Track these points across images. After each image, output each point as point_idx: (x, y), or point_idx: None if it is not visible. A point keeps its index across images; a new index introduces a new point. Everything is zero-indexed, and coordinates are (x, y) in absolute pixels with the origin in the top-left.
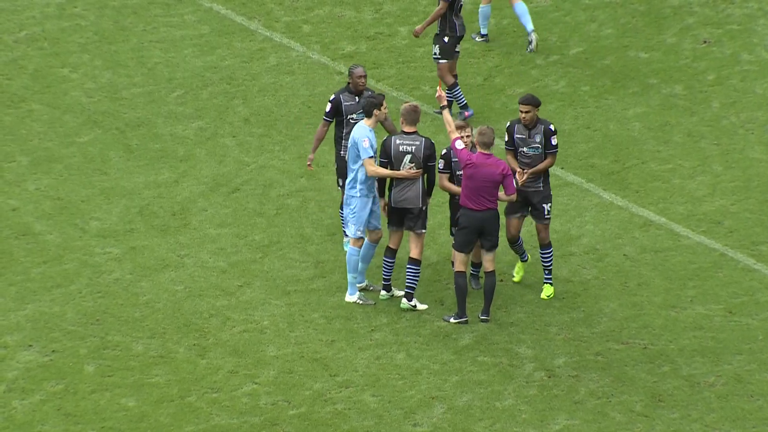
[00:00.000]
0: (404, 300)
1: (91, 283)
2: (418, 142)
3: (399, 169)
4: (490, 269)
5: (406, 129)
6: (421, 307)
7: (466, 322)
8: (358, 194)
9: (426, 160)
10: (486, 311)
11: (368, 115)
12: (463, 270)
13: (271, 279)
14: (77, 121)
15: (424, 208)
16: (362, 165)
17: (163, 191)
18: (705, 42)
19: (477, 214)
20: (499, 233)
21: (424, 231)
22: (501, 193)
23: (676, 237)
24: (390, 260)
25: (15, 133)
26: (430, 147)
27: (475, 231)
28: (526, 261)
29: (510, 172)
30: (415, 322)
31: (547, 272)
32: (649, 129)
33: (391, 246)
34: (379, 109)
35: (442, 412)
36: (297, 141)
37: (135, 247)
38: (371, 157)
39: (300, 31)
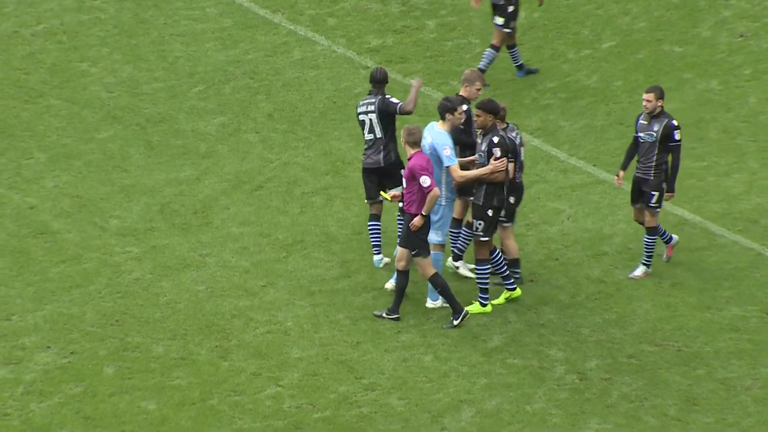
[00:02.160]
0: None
1: (110, 283)
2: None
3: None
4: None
5: None
6: (464, 271)
7: (398, 319)
8: (444, 201)
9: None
10: (393, 307)
11: (442, 117)
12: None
13: (295, 279)
14: (96, 117)
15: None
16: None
17: (184, 189)
18: (741, 36)
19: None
20: None
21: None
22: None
23: (712, 236)
24: (457, 230)
25: (33, 129)
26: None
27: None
28: (513, 290)
29: None
30: (442, 324)
31: (480, 291)
32: (684, 125)
33: (455, 216)
34: (453, 114)
35: (471, 416)
36: (321, 137)
37: (155, 246)
38: (456, 164)
39: (325, 24)
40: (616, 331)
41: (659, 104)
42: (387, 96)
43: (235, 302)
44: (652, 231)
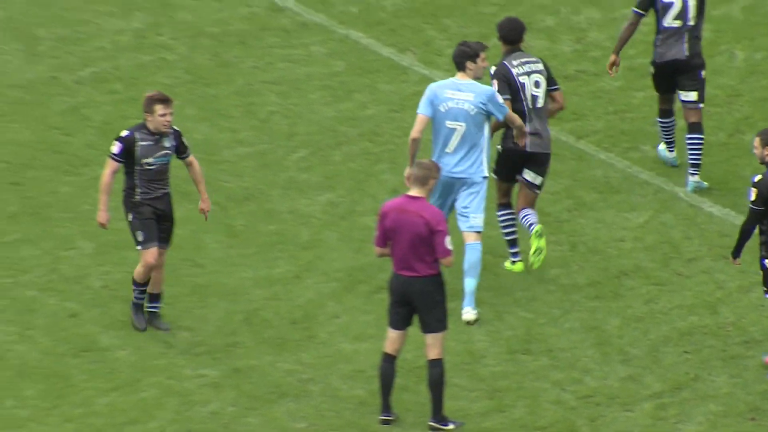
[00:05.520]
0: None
1: (178, 419)
2: None
3: None
4: (431, 356)
5: None
6: None
7: (387, 422)
8: (486, 173)
9: None
10: (434, 414)
11: (460, 67)
12: (390, 352)
13: (427, 413)
14: None
15: None
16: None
17: (278, 291)
18: None
19: (400, 280)
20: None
21: None
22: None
23: None
24: None
25: (75, 210)
26: None
27: (401, 302)
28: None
29: (442, 227)
30: None
31: None
32: None
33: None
34: (475, 61)
35: None
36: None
37: (239, 368)
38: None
39: None
40: None
41: (766, 153)
42: None
43: None
44: None
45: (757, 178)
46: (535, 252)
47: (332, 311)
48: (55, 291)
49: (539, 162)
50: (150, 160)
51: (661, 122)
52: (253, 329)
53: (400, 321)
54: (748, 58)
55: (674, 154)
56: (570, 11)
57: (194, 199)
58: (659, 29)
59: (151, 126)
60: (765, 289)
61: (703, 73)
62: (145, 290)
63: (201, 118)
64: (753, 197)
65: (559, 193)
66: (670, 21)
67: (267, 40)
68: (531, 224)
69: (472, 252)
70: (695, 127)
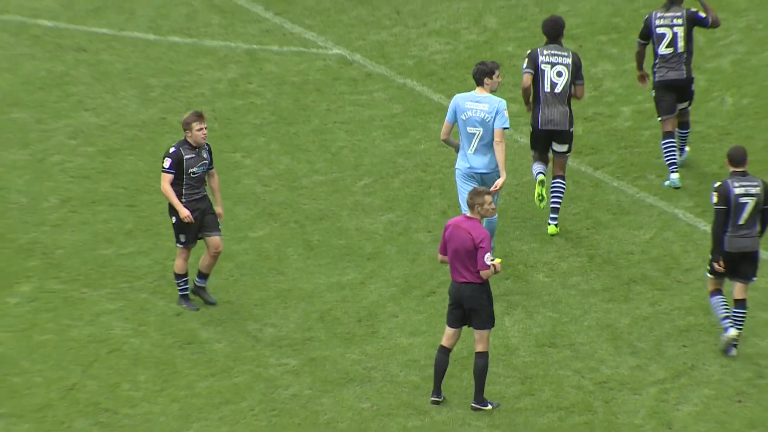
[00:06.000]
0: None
1: (264, 399)
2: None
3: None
4: (478, 349)
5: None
6: None
7: (437, 403)
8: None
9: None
10: (476, 397)
11: (479, 83)
12: (445, 345)
13: (470, 396)
14: (250, 213)
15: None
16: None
17: (347, 294)
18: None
19: (455, 285)
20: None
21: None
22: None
23: None
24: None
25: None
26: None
27: (455, 304)
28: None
29: (484, 245)
30: None
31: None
32: None
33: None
34: (491, 77)
35: None
36: (501, 237)
37: (315, 358)
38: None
39: (509, 110)
40: None
41: (728, 166)
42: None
43: (403, 422)
44: None
45: (717, 184)
46: (537, 197)
47: (391, 311)
48: (163, 294)
49: (560, 137)
50: (194, 169)
51: (664, 145)
52: (326, 326)
53: (455, 320)
54: (737, 103)
55: (677, 175)
56: (588, 64)
57: (279, 219)
58: (656, 55)
59: (191, 141)
60: (707, 268)
61: (692, 86)
62: (187, 280)
63: (284, 152)
64: (715, 199)
65: (579, 214)
66: (663, 49)
67: (338, 88)
68: (538, 173)
69: (489, 222)
70: (685, 125)
